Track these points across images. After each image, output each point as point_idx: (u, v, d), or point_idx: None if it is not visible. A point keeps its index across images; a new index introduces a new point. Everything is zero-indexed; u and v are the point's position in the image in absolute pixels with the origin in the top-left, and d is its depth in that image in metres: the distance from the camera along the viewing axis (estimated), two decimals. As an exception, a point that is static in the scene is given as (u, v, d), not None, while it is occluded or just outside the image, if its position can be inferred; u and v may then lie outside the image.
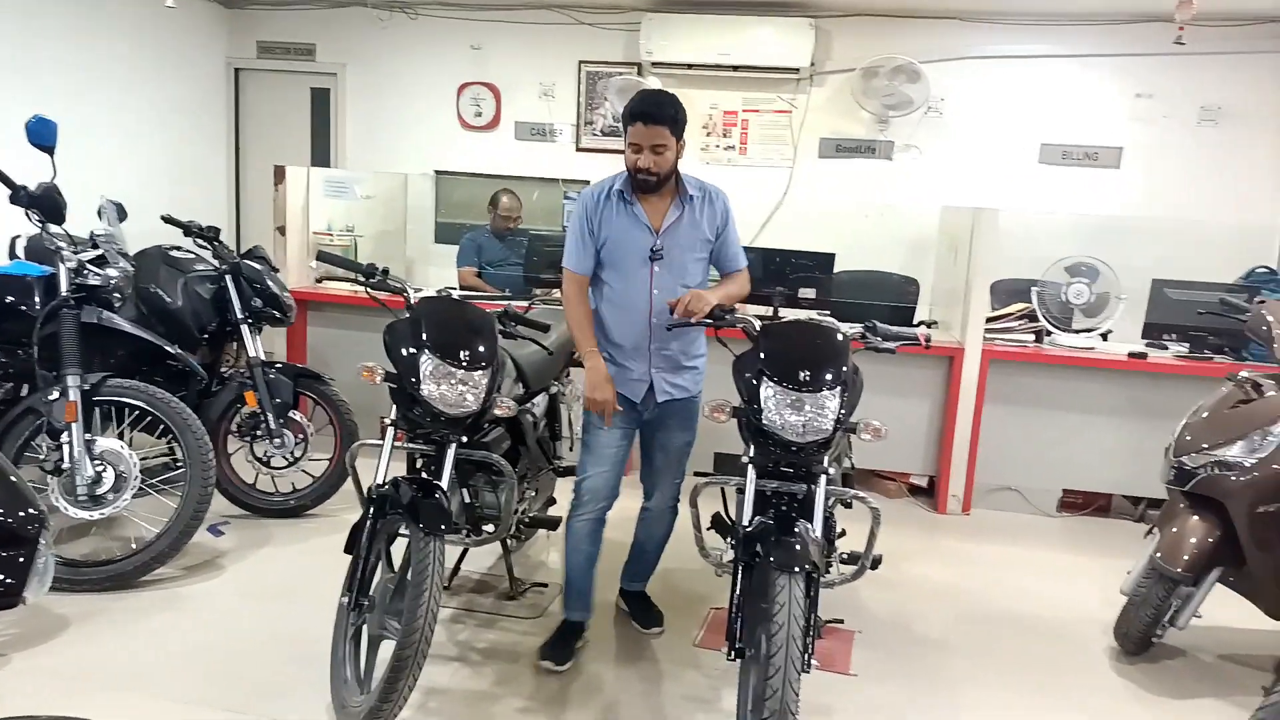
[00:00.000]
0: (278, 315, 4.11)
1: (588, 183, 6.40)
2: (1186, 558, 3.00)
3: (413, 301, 2.90)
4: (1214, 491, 3.03)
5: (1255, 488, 2.96)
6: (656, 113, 2.75)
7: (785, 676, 2.15)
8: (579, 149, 6.80)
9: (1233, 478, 2.99)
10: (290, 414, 4.01)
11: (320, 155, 7.02)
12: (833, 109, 6.38)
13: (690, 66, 6.34)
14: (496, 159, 6.84)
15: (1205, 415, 3.17)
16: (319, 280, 5.16)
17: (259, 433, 3.97)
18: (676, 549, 3.78)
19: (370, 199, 5.92)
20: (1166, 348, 4.61)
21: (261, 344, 4.05)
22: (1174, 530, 3.07)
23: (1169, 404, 4.24)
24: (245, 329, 3.99)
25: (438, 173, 6.84)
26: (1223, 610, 3.20)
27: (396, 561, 2.69)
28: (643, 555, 3.33)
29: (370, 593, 2.65)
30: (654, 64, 6.36)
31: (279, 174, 5.09)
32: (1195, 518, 3.06)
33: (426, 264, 6.56)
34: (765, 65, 6.20)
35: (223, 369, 4.19)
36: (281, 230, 5.11)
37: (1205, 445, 3.08)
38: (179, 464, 3.46)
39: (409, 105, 6.92)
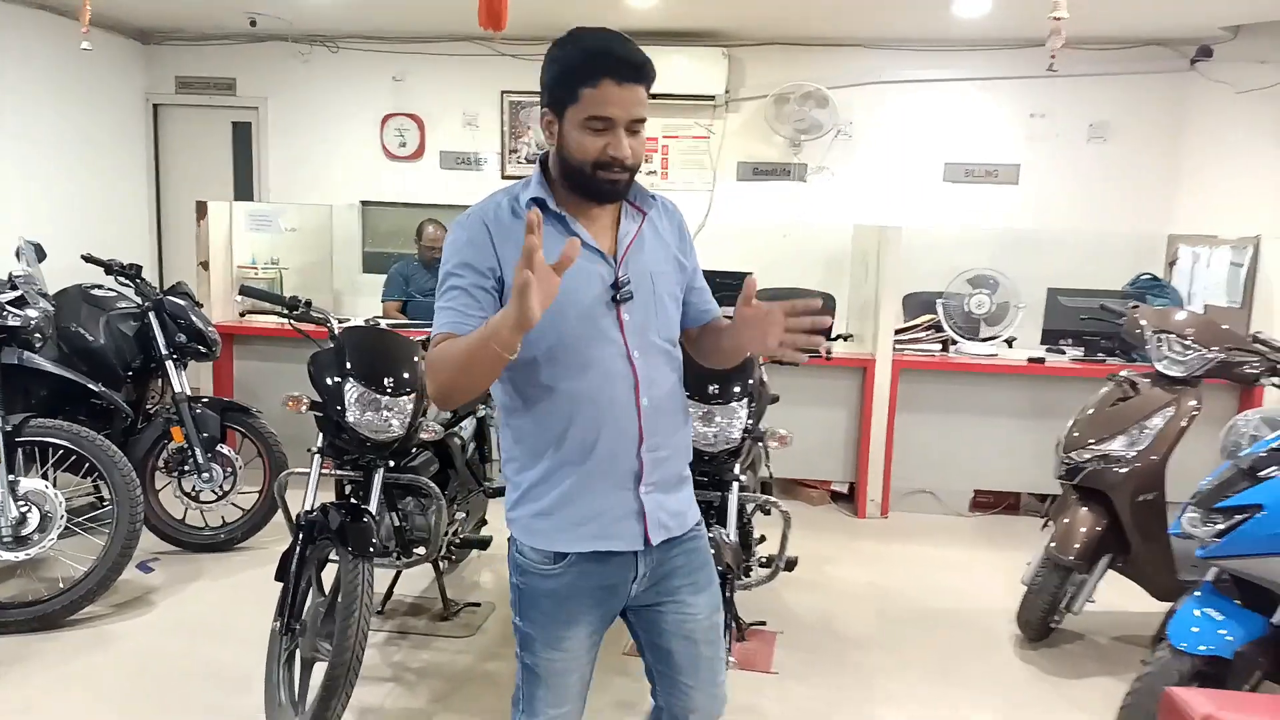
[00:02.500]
0: (203, 350, 4.13)
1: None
2: (1077, 546, 3.23)
3: (336, 332, 2.99)
4: (1100, 484, 3.26)
5: (1136, 478, 3.21)
6: (640, 66, 1.64)
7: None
8: (504, 176, 6.91)
9: (1115, 470, 3.23)
10: (218, 448, 4.03)
11: (242, 189, 7.00)
12: (748, 134, 6.61)
13: (610, 95, 6.52)
14: (422, 188, 6.91)
15: (1090, 413, 3.42)
16: (243, 314, 5.16)
17: (187, 468, 3.98)
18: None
19: (295, 231, 5.95)
20: (1064, 352, 4.91)
21: (187, 379, 4.06)
22: (1065, 522, 3.30)
23: (1067, 405, 4.46)
24: (170, 365, 4.00)
25: (364, 203, 6.89)
26: (1115, 595, 3.44)
27: (327, 586, 2.75)
28: None
29: (302, 617, 2.71)
30: (575, 93, 6.51)
31: (201, 209, 5.10)
32: (1084, 509, 3.29)
33: (355, 294, 6.60)
34: (682, 93, 6.40)
35: (148, 405, 4.19)
36: (205, 265, 5.11)
37: (1091, 441, 3.32)
38: (105, 503, 3.47)
39: (332, 137, 6.96)
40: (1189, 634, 2.50)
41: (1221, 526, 2.48)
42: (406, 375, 2.84)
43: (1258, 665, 2.48)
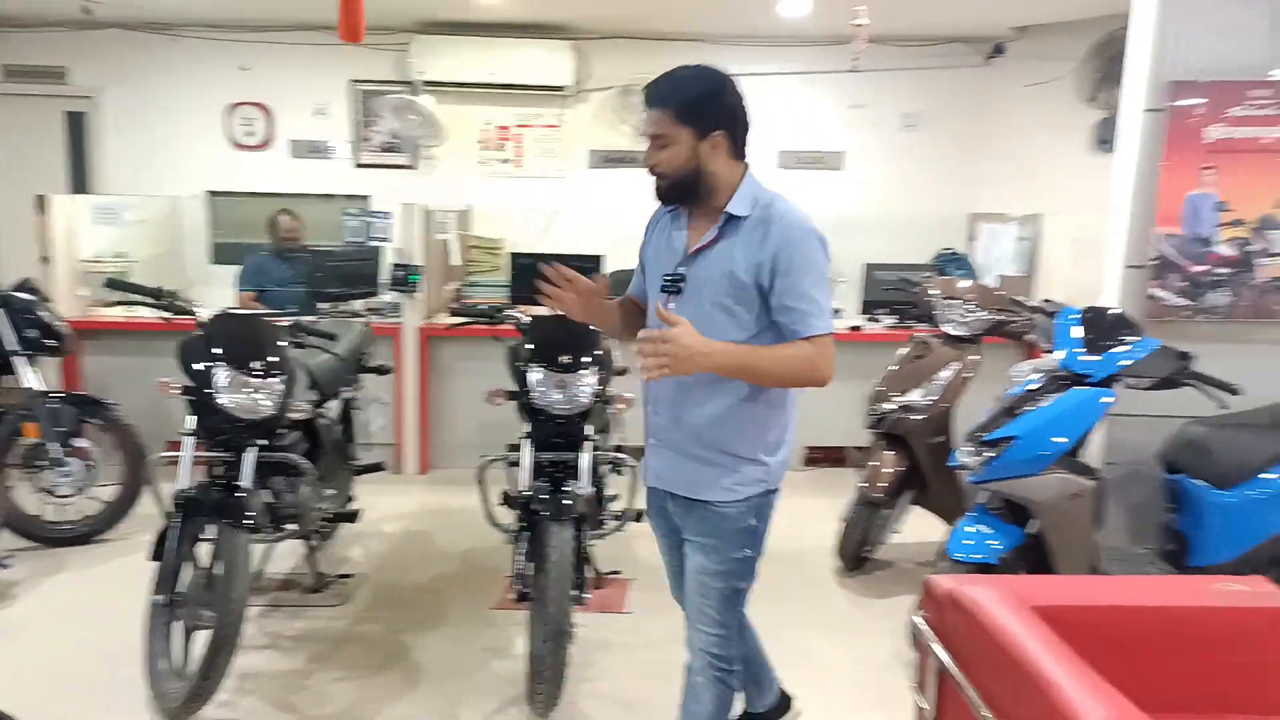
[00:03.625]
0: (53, 345, 4.10)
1: (367, 199, 6.74)
2: (883, 485, 3.74)
3: (201, 319, 3.12)
4: (901, 430, 3.79)
5: (930, 424, 3.75)
6: (651, 92, 2.08)
7: (560, 606, 2.60)
8: (358, 165, 6.97)
9: (913, 418, 3.75)
10: (74, 442, 4.03)
11: (79, 181, 6.78)
12: (598, 123, 6.94)
13: (461, 85, 6.70)
14: (273, 177, 6.89)
15: (892, 370, 3.94)
16: (107, 303, 5.08)
17: (43, 464, 3.96)
18: (482, 530, 4.19)
19: (143, 224, 5.86)
20: (880, 320, 5.49)
21: (39, 375, 4.04)
22: (873, 464, 3.81)
23: (884, 366, 5.07)
24: (20, 361, 3.97)
25: (211, 193, 6.80)
26: (918, 527, 3.98)
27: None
28: None
29: (178, 590, 2.86)
30: (426, 82, 6.65)
31: (40, 203, 4.98)
32: (888, 453, 3.81)
33: (206, 285, 6.51)
34: (532, 84, 6.66)
35: (-2, 404, 4.14)
36: (46, 260, 5.00)
37: (893, 394, 3.84)
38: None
39: (176, 127, 6.83)
40: (962, 546, 3.01)
41: (988, 455, 3.00)
42: (273, 358, 3.01)
43: (1018, 568, 3.02)
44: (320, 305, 5.07)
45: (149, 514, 4.19)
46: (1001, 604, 1.94)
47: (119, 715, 2.80)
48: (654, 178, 2.09)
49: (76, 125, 6.78)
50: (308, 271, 5.43)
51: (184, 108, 6.81)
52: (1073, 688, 1.62)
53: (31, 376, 3.98)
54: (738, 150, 2.07)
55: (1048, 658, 1.71)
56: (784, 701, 2.67)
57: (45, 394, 4.00)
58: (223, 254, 6.68)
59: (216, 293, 6.23)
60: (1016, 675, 1.73)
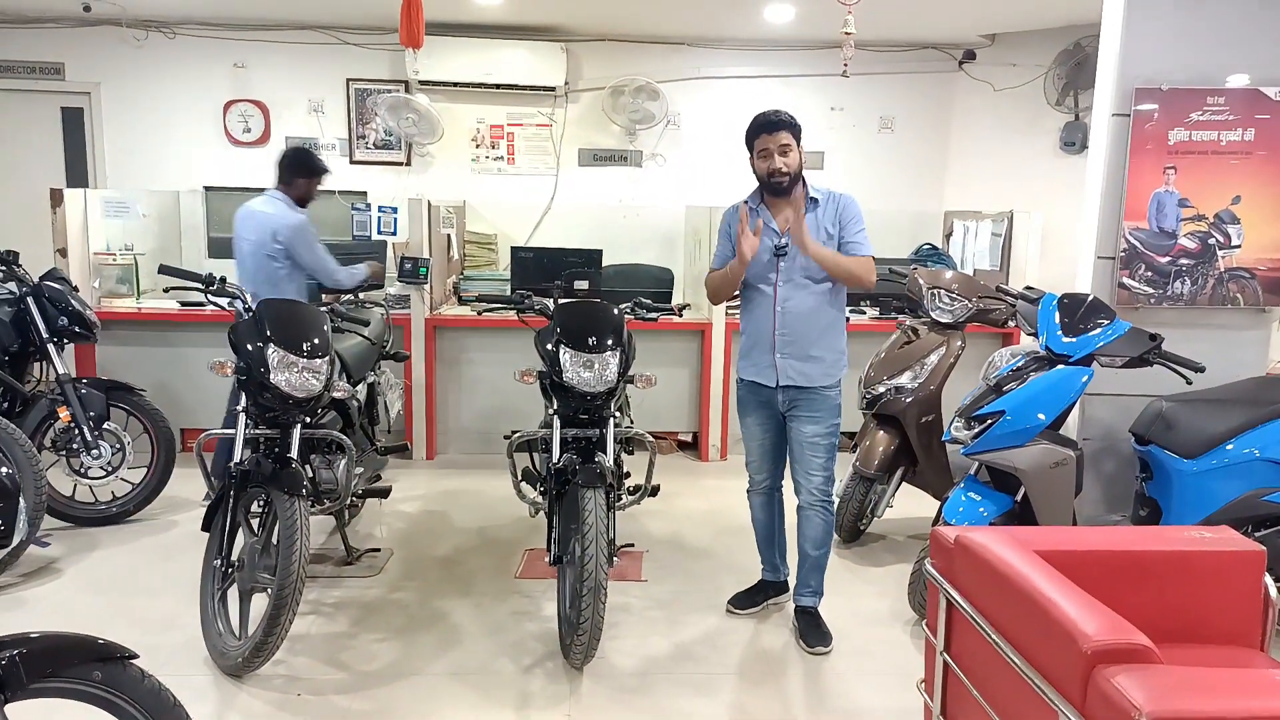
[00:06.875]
0: (84, 332, 4.25)
1: (364, 194, 6.92)
2: (876, 461, 4.02)
3: (250, 304, 3.31)
4: (892, 411, 4.07)
5: (919, 404, 4.04)
6: (775, 120, 3.13)
7: (597, 562, 2.84)
8: (353, 162, 7.13)
9: (904, 399, 4.05)
10: (105, 425, 4.19)
11: (77, 175, 6.86)
12: (588, 123, 7.17)
13: (456, 85, 6.89)
14: (269, 173, 6.99)
15: (883, 355, 4.23)
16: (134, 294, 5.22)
17: (75, 445, 4.12)
18: (495, 509, 4.42)
19: (146, 217, 5.98)
20: (865, 311, 5.79)
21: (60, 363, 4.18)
22: (867, 443, 4.09)
23: (867, 353, 5.37)
24: (51, 348, 4.12)
25: (207, 188, 6.92)
26: (909, 503, 4.27)
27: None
28: (804, 560, 3.43)
29: (234, 557, 3.07)
30: (421, 82, 6.84)
31: (56, 197, 5.10)
32: (881, 432, 4.10)
33: (206, 279, 6.63)
34: (524, 84, 6.87)
35: (27, 388, 4.28)
36: (63, 252, 5.12)
37: (885, 376, 4.12)
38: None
39: (173, 123, 6.93)
40: (957, 512, 3.30)
41: (977, 430, 3.29)
42: (318, 340, 3.21)
43: (1005, 531, 3.31)
44: (325, 297, 5.23)
45: (175, 496, 4.39)
46: (1004, 545, 2.22)
47: (179, 676, 2.98)
48: (779, 176, 3.16)
49: (74, 120, 6.86)
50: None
51: (180, 104, 6.92)
52: (1071, 607, 1.90)
53: (62, 362, 4.12)
54: None
55: (1047, 584, 2.00)
56: (784, 586, 3.69)
57: (75, 379, 4.15)
58: (219, 248, 6.78)
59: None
60: (1020, 601, 2.02)
